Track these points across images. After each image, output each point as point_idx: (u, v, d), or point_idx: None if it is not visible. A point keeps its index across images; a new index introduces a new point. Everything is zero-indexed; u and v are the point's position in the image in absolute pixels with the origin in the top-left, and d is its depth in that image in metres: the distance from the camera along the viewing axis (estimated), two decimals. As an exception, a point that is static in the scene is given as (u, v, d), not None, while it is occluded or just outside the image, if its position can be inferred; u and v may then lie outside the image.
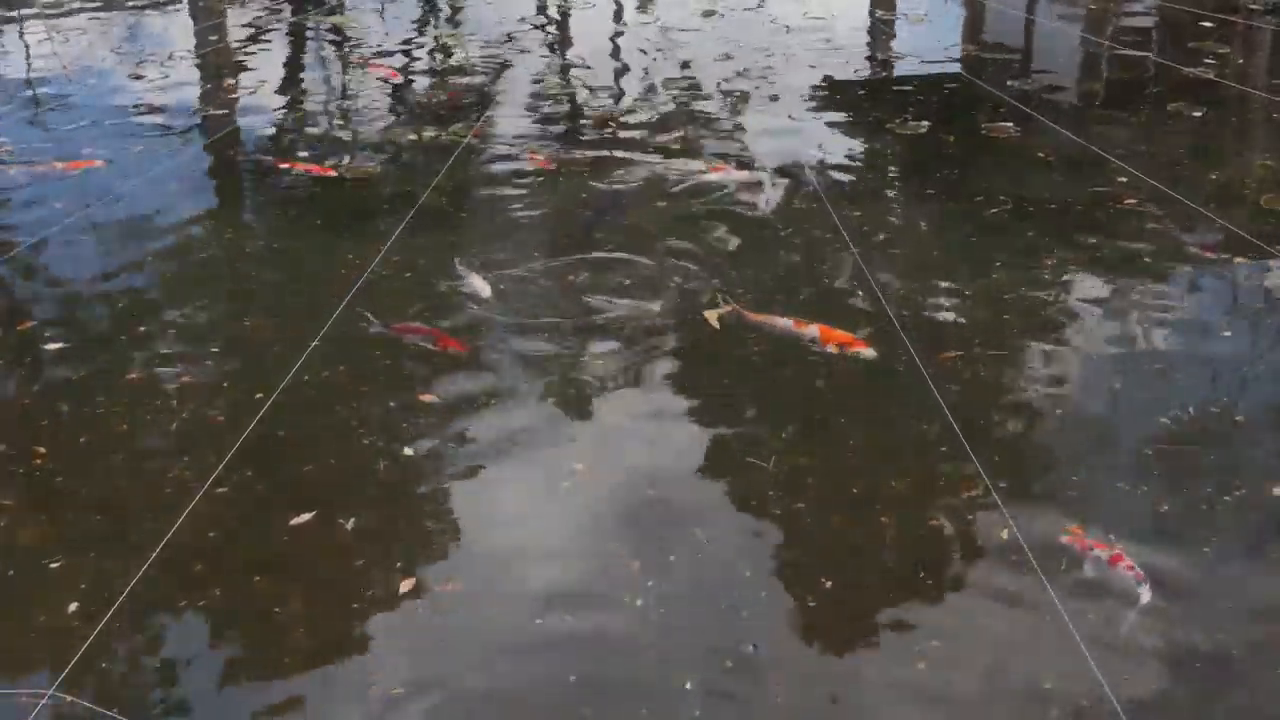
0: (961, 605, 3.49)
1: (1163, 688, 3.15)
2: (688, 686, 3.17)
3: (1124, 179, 6.89)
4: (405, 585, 3.56)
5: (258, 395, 4.56)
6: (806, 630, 3.40)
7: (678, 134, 8.04)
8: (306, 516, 3.87)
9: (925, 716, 3.09)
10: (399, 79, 9.76)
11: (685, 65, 10.27)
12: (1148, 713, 3.06)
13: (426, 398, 4.60)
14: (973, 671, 3.22)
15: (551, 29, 12.41)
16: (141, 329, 5.22)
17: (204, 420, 4.44)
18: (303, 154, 7.73)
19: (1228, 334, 5.09)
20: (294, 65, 10.81)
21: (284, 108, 9.10)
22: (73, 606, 3.48)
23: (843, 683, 3.22)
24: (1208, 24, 11.46)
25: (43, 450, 4.28)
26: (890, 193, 6.96)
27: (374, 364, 4.87)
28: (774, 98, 9.14)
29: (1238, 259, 5.78)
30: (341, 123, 8.80)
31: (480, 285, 5.36)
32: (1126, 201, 6.55)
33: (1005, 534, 3.72)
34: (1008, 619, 3.42)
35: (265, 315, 5.41)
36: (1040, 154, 7.52)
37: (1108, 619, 3.36)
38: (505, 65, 10.55)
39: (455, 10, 13.37)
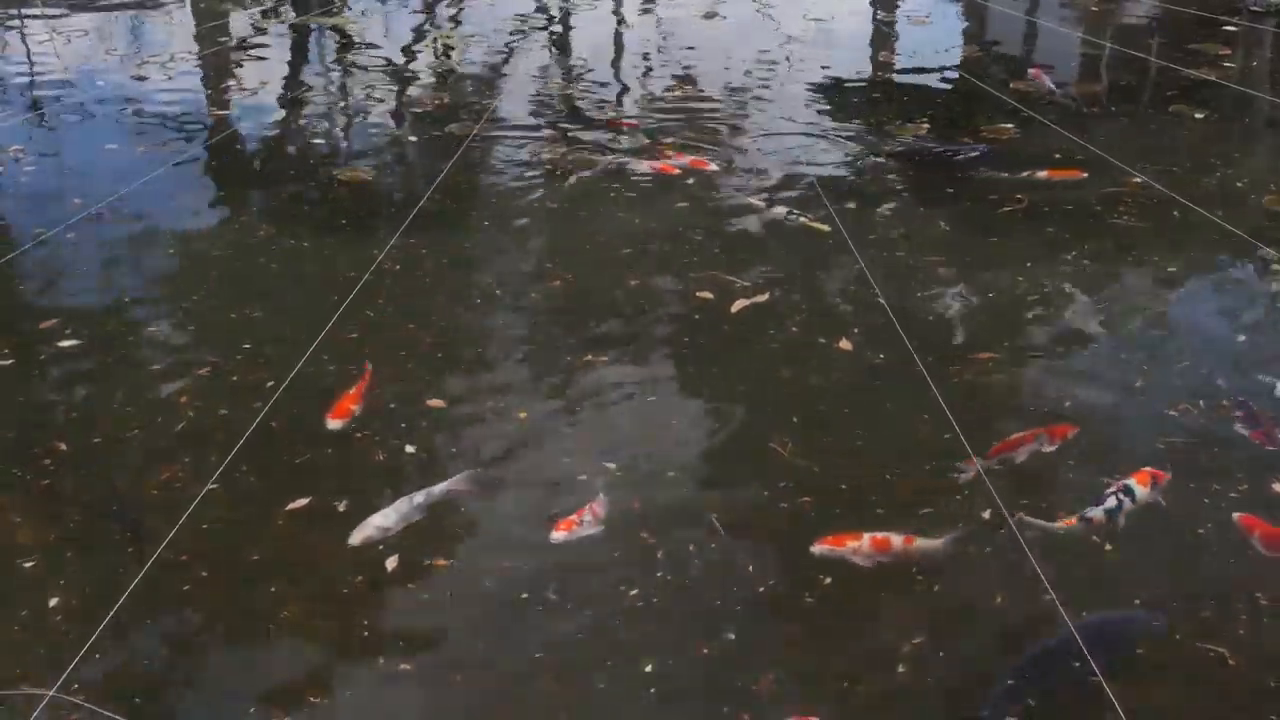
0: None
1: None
2: (648, 670, 3.24)
3: (1125, 181, 6.88)
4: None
5: (269, 383, 4.63)
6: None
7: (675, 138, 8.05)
8: (302, 502, 3.95)
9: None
10: (673, 171, 7.30)
11: (687, 69, 10.27)
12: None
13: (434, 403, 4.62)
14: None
15: (554, 29, 12.42)
16: (150, 329, 5.25)
17: (212, 415, 4.47)
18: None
19: (1242, 338, 5.11)
20: (295, 66, 10.82)
21: (282, 109, 9.11)
22: (80, 597, 3.51)
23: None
24: (1209, 26, 11.47)
25: (61, 447, 4.30)
26: (890, 194, 6.96)
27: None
28: (774, 99, 9.14)
29: (1247, 261, 5.83)
30: (340, 124, 8.81)
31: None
32: (1124, 208, 6.55)
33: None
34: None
35: (271, 314, 5.41)
36: (1041, 155, 7.52)
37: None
38: (506, 63, 10.57)
39: (456, 11, 13.38)
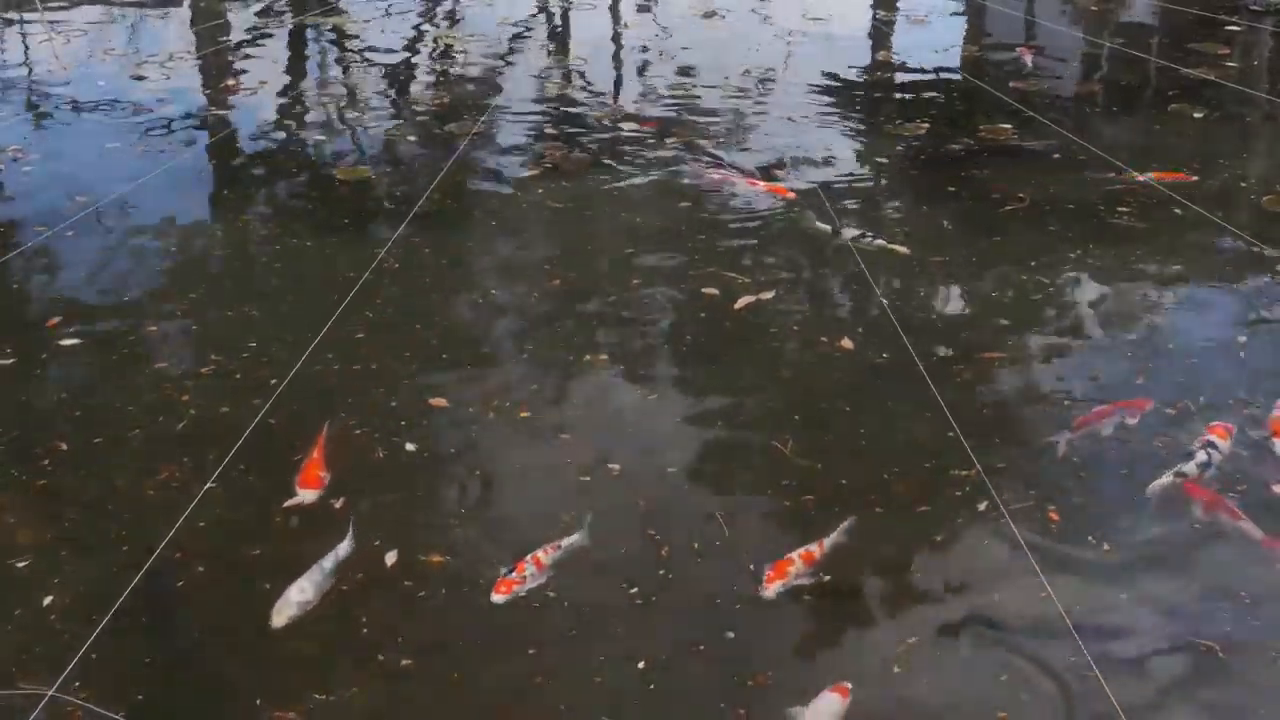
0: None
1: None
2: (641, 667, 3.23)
3: (1127, 180, 6.89)
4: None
5: (271, 381, 4.63)
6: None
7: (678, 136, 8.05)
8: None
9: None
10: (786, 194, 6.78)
11: (687, 69, 10.26)
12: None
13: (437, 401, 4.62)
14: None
15: (553, 26, 12.42)
16: (151, 328, 5.24)
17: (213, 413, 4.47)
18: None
19: (1243, 339, 5.11)
20: (296, 66, 10.81)
21: (285, 108, 9.11)
22: (79, 596, 3.51)
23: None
24: (1209, 26, 11.46)
25: (61, 447, 4.30)
26: (892, 193, 6.96)
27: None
28: (774, 99, 9.14)
29: (1247, 260, 5.83)
30: (342, 123, 8.80)
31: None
32: (1125, 208, 6.54)
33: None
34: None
35: (271, 314, 5.41)
36: (1041, 154, 7.52)
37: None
38: (505, 63, 10.57)
39: (455, 11, 13.37)
